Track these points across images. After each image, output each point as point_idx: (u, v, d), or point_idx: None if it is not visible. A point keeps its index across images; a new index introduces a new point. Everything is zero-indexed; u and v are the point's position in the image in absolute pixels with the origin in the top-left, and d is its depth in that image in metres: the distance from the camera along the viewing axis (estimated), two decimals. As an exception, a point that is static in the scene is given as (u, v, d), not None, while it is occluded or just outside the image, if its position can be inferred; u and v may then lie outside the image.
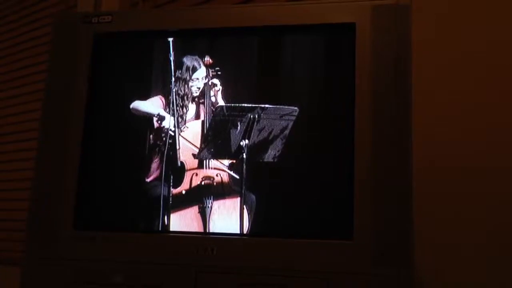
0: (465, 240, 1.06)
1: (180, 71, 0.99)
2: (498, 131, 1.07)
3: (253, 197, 0.92)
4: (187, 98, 0.98)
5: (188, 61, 0.99)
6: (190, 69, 0.98)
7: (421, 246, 0.91)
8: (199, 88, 0.98)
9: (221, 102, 0.96)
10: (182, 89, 0.98)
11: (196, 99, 0.98)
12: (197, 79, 0.98)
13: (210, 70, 0.98)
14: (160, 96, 0.99)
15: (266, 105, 0.93)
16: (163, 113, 0.98)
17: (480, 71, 1.10)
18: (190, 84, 0.98)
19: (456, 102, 1.11)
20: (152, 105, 0.99)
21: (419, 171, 0.90)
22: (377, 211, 0.84)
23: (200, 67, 0.98)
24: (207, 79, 0.97)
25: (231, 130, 0.94)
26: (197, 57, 0.99)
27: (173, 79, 0.99)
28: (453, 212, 1.08)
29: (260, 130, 0.93)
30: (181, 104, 0.98)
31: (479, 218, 1.06)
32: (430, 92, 1.12)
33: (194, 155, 0.96)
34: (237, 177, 0.93)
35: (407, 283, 0.81)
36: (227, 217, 0.93)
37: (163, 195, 0.95)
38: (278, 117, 0.93)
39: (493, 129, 1.07)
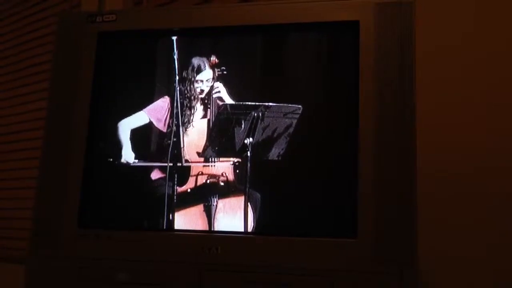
0: (468, 240, 1.06)
1: (186, 71, 0.99)
2: (502, 132, 1.06)
3: (258, 195, 0.92)
4: (192, 97, 0.98)
5: (194, 61, 0.99)
6: (195, 69, 0.99)
7: (424, 245, 0.90)
8: (203, 91, 0.98)
9: (226, 101, 0.96)
10: (188, 89, 0.99)
11: (201, 99, 0.98)
12: (201, 81, 0.98)
13: (216, 70, 0.98)
14: (165, 96, 0.99)
15: (270, 103, 0.93)
16: (167, 114, 0.98)
17: (484, 69, 1.10)
18: (195, 85, 0.98)
19: (460, 101, 1.11)
20: (155, 109, 0.99)
21: (422, 171, 0.90)
22: (381, 210, 0.84)
23: (205, 68, 0.98)
24: (212, 82, 0.97)
25: (235, 129, 0.94)
26: (204, 58, 0.99)
27: (177, 77, 0.99)
28: (456, 213, 1.08)
29: (264, 128, 0.93)
30: (185, 103, 0.98)
31: (481, 219, 1.06)
32: (434, 90, 1.11)
33: (199, 153, 0.96)
34: (242, 175, 0.93)
35: (411, 281, 0.81)
36: (232, 216, 0.93)
37: (168, 194, 0.95)
38: (282, 115, 0.93)
39: (497, 130, 1.07)
